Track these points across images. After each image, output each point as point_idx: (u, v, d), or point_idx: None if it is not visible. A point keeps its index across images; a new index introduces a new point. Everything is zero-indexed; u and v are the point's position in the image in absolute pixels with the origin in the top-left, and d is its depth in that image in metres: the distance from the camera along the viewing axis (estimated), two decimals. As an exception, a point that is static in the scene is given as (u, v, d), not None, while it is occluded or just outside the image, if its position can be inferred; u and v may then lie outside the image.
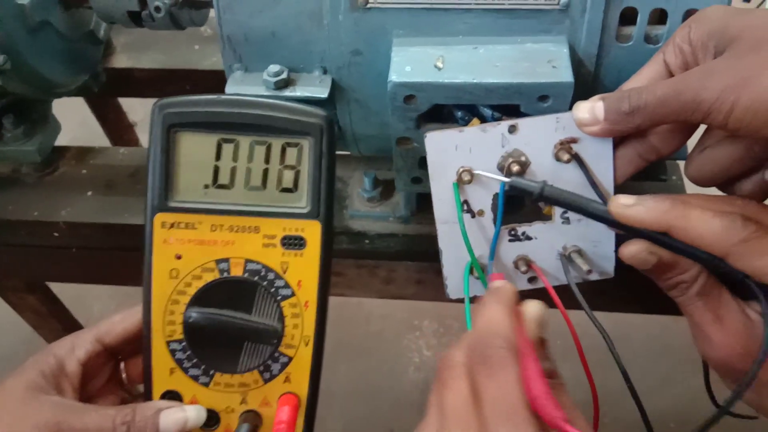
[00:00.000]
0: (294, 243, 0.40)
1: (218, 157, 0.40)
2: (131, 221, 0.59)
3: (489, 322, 0.34)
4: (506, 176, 0.40)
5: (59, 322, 0.81)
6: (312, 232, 0.40)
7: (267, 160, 0.40)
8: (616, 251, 0.44)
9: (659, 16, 0.42)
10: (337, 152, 0.58)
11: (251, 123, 0.39)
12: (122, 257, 0.62)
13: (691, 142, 0.40)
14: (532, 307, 0.35)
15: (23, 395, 0.38)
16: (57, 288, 0.81)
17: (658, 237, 0.37)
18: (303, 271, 0.40)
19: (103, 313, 1.34)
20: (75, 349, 0.41)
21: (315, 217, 0.40)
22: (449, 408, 0.32)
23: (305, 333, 0.41)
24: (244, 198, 0.40)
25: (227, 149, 0.40)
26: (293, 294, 0.40)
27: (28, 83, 0.57)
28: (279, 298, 0.40)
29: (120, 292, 1.35)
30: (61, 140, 0.65)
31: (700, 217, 0.35)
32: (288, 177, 0.40)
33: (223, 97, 0.40)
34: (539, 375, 0.31)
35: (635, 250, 0.38)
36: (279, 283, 0.40)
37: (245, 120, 0.39)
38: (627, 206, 0.37)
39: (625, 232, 0.39)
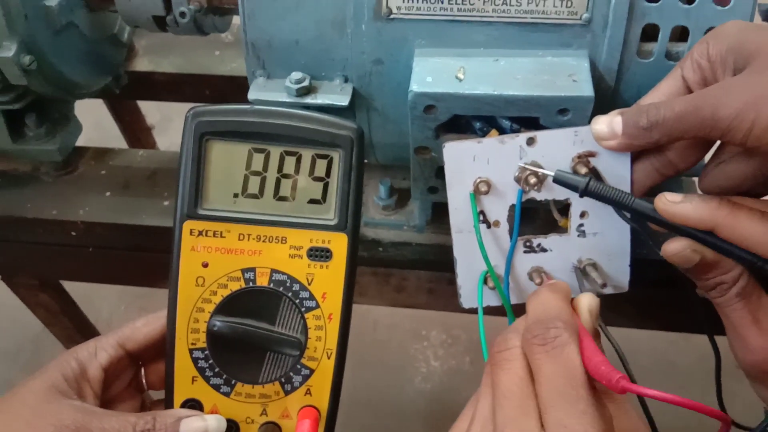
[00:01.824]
0: (320, 255, 0.40)
1: (249, 166, 0.40)
2: (147, 222, 0.60)
3: (547, 308, 0.35)
4: (524, 188, 0.41)
5: (70, 321, 0.82)
6: (338, 244, 0.40)
7: (297, 171, 0.40)
8: (631, 265, 0.44)
9: (680, 33, 0.42)
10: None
11: (282, 134, 0.39)
12: (138, 258, 0.63)
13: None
14: (586, 298, 0.36)
15: (45, 396, 0.38)
16: (66, 287, 0.81)
17: (702, 236, 0.37)
18: (328, 284, 0.40)
19: (112, 313, 1.35)
20: (97, 354, 0.41)
21: (342, 230, 0.40)
22: (504, 388, 0.32)
23: (328, 346, 0.41)
24: (273, 208, 0.40)
25: (258, 159, 0.40)
26: (317, 306, 0.40)
27: (52, 83, 0.58)
28: (303, 309, 0.40)
29: (129, 294, 1.37)
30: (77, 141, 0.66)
31: (748, 217, 0.35)
32: (317, 188, 0.40)
33: (256, 107, 0.40)
34: (596, 349, 0.32)
35: (679, 247, 0.37)
36: (304, 294, 0.40)
37: (277, 130, 0.39)
38: (674, 203, 0.37)
39: (668, 230, 0.38)
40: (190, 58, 0.78)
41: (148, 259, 0.62)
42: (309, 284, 0.40)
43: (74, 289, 0.82)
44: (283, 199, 0.40)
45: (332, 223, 0.40)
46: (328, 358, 0.41)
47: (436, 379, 1.23)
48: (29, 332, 1.27)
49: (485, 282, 0.44)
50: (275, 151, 0.40)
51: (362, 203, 0.58)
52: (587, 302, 0.36)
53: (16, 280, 0.72)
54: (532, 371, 0.32)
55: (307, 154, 0.40)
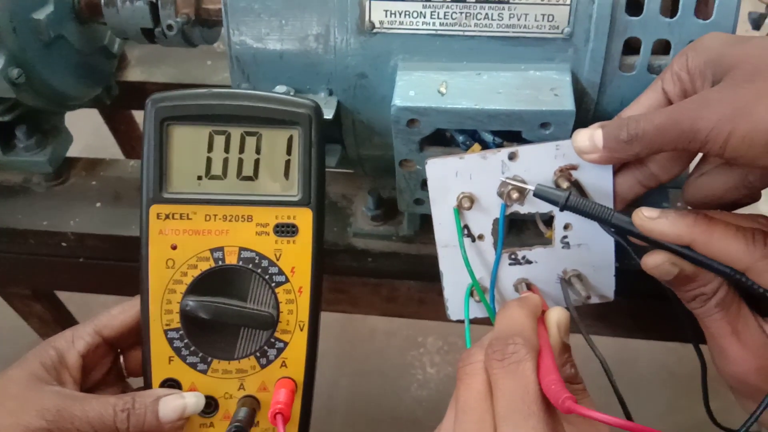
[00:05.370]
0: (286, 230, 0.41)
1: (210, 148, 0.41)
2: (138, 234, 0.60)
3: (510, 323, 0.35)
4: (506, 203, 0.41)
5: (64, 330, 0.82)
6: (304, 219, 0.41)
7: (258, 150, 0.41)
8: (616, 276, 0.44)
9: (663, 47, 0.42)
10: (343, 170, 0.59)
11: (242, 114, 0.40)
12: (128, 269, 0.62)
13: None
14: (555, 312, 0.37)
15: (26, 384, 0.39)
16: (63, 296, 0.82)
17: (680, 249, 0.37)
18: (296, 258, 0.41)
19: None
20: (74, 342, 0.42)
21: (306, 205, 0.41)
22: (464, 403, 0.33)
23: (300, 318, 0.42)
24: (237, 188, 0.41)
25: (219, 141, 0.41)
26: (287, 280, 0.41)
27: (42, 96, 0.58)
28: (273, 284, 0.41)
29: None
30: (73, 148, 0.66)
31: (724, 232, 0.35)
32: (279, 166, 0.41)
33: (214, 90, 0.41)
34: (552, 367, 0.32)
35: (658, 260, 0.38)
36: (273, 270, 0.41)
37: (235, 112, 0.40)
38: (651, 219, 0.37)
39: (647, 243, 0.39)
40: (183, 68, 0.79)
41: (138, 270, 0.62)
42: (277, 260, 0.41)
43: (72, 296, 0.82)
44: (246, 178, 0.41)
45: (296, 198, 0.41)
46: (301, 330, 0.42)
47: (432, 386, 1.23)
48: (28, 338, 1.27)
49: (472, 295, 0.44)
50: (236, 132, 0.41)
51: (352, 213, 0.59)
52: (556, 317, 0.37)
53: (8, 290, 0.73)
54: (490, 386, 0.32)
55: (267, 133, 0.41)
